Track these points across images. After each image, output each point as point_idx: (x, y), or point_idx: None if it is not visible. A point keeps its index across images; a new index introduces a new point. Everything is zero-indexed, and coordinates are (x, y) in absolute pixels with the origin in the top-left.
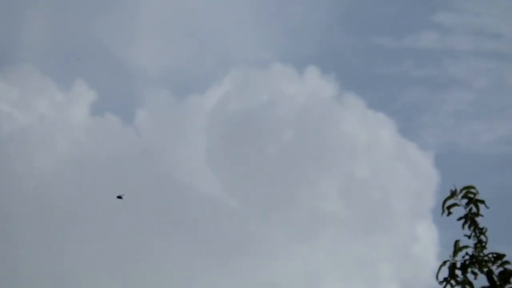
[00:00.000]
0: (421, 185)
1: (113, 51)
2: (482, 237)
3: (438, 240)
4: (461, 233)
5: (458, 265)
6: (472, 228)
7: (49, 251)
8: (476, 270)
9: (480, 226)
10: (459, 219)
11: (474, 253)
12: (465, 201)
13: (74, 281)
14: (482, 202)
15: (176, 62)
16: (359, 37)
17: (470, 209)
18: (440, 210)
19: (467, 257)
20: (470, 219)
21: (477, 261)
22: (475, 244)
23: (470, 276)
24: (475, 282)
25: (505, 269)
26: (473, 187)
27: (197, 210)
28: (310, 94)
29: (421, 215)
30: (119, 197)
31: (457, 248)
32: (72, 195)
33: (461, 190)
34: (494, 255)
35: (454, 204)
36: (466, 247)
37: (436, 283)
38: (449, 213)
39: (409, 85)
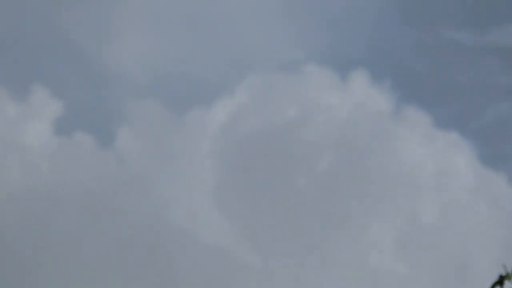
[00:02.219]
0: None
1: (86, 49)
2: None
3: None
4: None
5: None
6: None
7: None
8: None
9: None
10: None
11: None
12: None
13: None
14: None
15: (171, 65)
16: (424, 30)
17: None
18: None
19: None
20: None
21: None
22: None
23: None
24: None
25: None
26: None
27: (200, 265)
28: (356, 107)
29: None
30: None
31: None
32: (28, 239)
33: None
34: None
35: None
36: None
37: None
38: None
39: (493, 95)
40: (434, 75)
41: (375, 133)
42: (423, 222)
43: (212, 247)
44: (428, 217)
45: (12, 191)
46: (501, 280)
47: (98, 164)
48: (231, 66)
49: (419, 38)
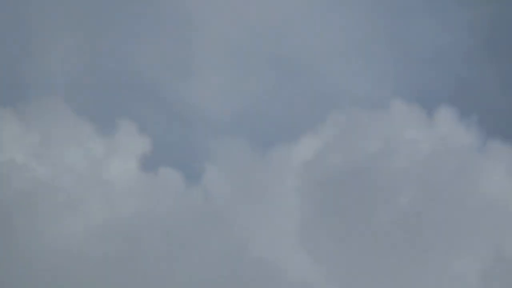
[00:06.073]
0: None
1: (171, 87)
2: None
3: None
4: None
5: None
6: None
7: None
8: None
9: None
10: None
11: None
12: None
13: None
14: None
15: (253, 102)
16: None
17: None
18: None
19: None
20: None
21: None
22: None
23: None
24: None
25: None
26: None
27: None
28: (441, 141)
29: None
30: None
31: None
32: (113, 277)
33: None
34: None
35: None
36: None
37: None
38: None
39: None
40: None
41: (459, 166)
42: (508, 256)
43: (298, 284)
44: None
45: (98, 227)
46: None
47: (185, 200)
48: (315, 103)
49: (506, 74)
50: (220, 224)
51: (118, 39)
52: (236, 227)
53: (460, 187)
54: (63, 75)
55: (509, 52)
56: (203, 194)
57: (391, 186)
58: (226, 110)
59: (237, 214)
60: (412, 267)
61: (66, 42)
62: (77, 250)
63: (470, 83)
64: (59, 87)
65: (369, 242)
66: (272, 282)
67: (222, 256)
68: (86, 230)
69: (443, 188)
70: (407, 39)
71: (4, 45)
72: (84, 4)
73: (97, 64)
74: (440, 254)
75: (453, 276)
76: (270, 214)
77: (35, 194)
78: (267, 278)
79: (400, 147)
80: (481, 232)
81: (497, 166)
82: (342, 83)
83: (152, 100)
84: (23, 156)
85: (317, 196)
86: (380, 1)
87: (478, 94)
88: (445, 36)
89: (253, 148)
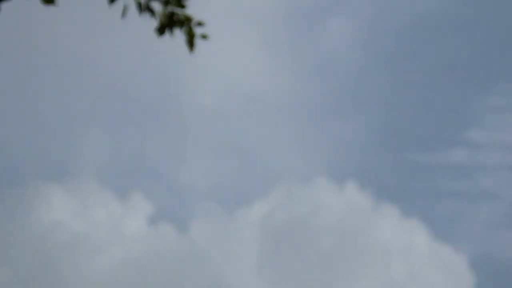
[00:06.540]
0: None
1: (167, 168)
2: None
3: None
4: None
5: None
6: None
7: None
8: None
9: None
10: None
11: None
12: None
13: None
14: None
15: (225, 179)
16: (395, 154)
17: None
18: None
19: None
20: None
21: None
22: None
23: None
24: None
25: None
26: None
27: None
28: (348, 204)
29: None
30: None
31: None
32: None
33: None
34: None
35: None
36: None
37: None
38: None
39: (442, 197)
40: (402, 183)
41: (361, 221)
42: (395, 280)
43: None
44: (399, 277)
45: (118, 264)
46: None
47: (178, 246)
48: (265, 179)
49: (391, 159)
50: (201, 262)
51: (134, 136)
52: (212, 264)
53: (362, 236)
54: (95, 159)
55: (395, 142)
56: (190, 241)
57: (317, 235)
58: (206, 183)
59: (213, 255)
60: (329, 285)
61: (97, 136)
62: (106, 280)
63: (367, 166)
64: (92, 168)
65: (303, 272)
66: None
67: (202, 284)
68: (110, 266)
69: (350, 236)
70: (325, 137)
71: (52, 140)
72: (111, 110)
73: (119, 153)
74: (347, 281)
75: None
76: (236, 255)
77: (74, 244)
78: None
79: (322, 208)
80: (376, 268)
81: (386, 220)
82: (283, 165)
83: (155, 177)
84: (65, 216)
85: (267, 241)
86: (307, 110)
87: (373, 173)
88: (347, 134)
89: (223, 209)
